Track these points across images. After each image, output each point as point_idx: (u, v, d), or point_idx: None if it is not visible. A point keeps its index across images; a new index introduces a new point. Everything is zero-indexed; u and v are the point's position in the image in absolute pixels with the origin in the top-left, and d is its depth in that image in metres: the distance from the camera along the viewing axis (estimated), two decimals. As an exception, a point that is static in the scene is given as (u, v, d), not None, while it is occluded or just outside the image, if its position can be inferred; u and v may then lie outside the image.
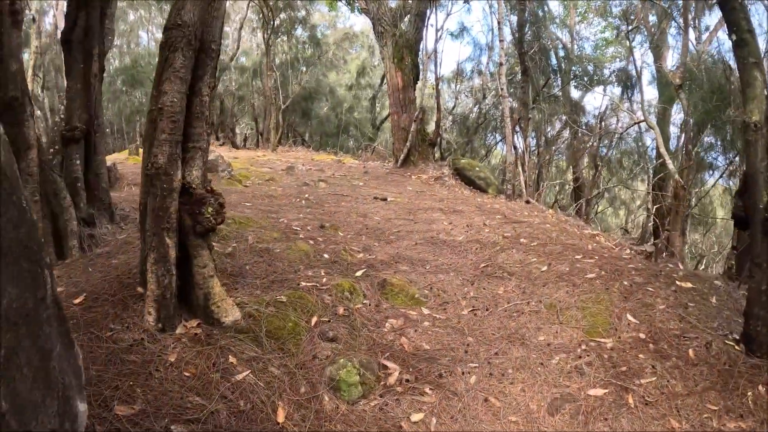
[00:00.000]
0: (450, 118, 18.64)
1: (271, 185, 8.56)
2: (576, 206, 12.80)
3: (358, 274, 4.46)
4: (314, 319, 3.56)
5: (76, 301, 3.66)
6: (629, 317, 3.92)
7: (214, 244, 4.64)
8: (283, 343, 3.30)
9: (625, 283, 4.47)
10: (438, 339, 3.66)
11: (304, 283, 4.04)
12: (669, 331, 3.78)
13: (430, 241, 5.59)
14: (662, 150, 7.56)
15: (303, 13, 18.62)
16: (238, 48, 18.61)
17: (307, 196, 7.73)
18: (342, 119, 21.70)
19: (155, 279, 3.24)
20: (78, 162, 4.66)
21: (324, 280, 4.17)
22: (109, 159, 10.83)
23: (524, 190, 10.69)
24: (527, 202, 9.70)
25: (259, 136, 20.63)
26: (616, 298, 4.19)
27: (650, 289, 4.37)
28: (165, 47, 2.91)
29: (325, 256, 4.81)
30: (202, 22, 2.97)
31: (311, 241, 5.16)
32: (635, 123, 11.00)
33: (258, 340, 3.30)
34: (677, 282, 4.55)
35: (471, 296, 4.30)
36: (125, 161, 10.22)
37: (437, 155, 13.78)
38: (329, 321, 3.58)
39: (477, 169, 11.49)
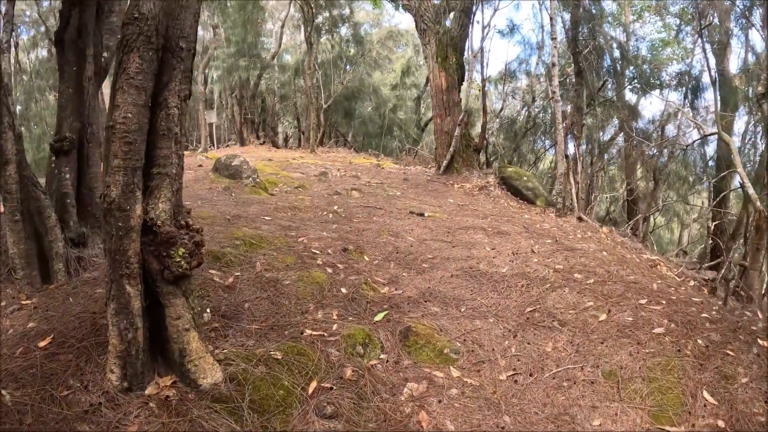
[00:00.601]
0: (497, 121, 17.70)
1: (299, 194, 7.95)
2: (631, 224, 11.71)
3: (378, 317, 3.76)
4: (313, 385, 2.89)
5: (42, 344, 3.13)
6: (706, 395, 3.10)
7: (213, 272, 4.06)
8: (269, 419, 2.65)
9: (700, 342, 3.61)
10: (466, 415, 2.92)
11: (308, 332, 3.38)
12: (753, 417, 2.96)
13: (468, 272, 4.83)
14: (740, 171, 6.49)
15: (347, 11, 18.02)
16: (280, 46, 18.22)
17: (336, 208, 7.08)
18: (386, 119, 20.99)
19: (117, 333, 2.66)
20: (68, 176, 4.16)
21: (334, 327, 3.49)
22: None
23: (576, 205, 9.74)
24: (579, 219, 8.78)
25: (301, 135, 20.23)
26: (690, 366, 3.35)
27: (730, 352, 3.51)
28: (120, 48, 2.30)
29: (343, 290, 4.14)
30: (167, 14, 2.35)
31: (330, 269, 4.50)
32: (707, 135, 9.81)
33: (238, 413, 2.65)
34: (759, 341, 3.68)
35: (512, 354, 3.53)
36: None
37: (482, 161, 12.94)
38: (331, 388, 2.90)
39: (525, 178, 10.62)
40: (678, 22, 14.45)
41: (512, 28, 16.57)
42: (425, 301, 4.16)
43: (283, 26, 17.60)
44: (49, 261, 3.99)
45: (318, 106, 18.34)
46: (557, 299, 4.31)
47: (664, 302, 4.26)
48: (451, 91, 11.47)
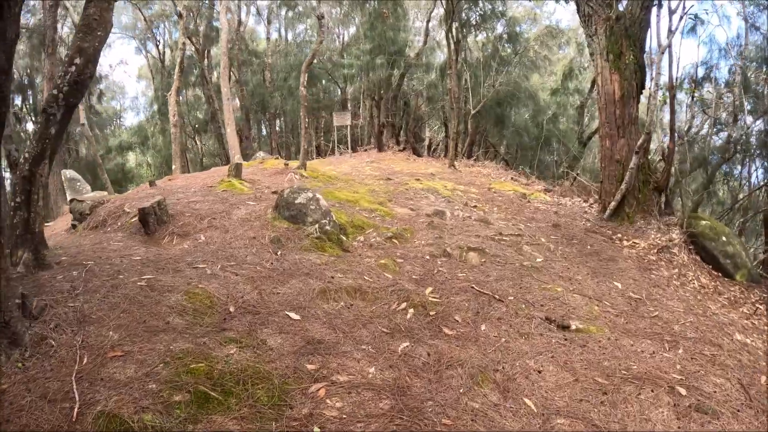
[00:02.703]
0: (681, 142, 13.66)
1: (386, 254, 5.48)
2: None
3: None
4: None
5: None
6: None
7: None
8: None
9: None
10: None
11: None
12: None
13: None
14: None
15: (500, 6, 15.09)
16: (425, 43, 15.97)
17: (428, 293, 4.55)
18: (543, 130, 17.66)
19: None
20: None
21: None
22: (209, 175, 7.73)
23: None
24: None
25: (449, 143, 17.93)
26: None
27: None
28: None
29: None
30: None
31: None
32: None
33: None
34: None
35: None
36: (214, 186, 7.51)
37: (662, 201, 9.38)
38: None
39: (723, 239, 7.28)
40: None
41: (693, 25, 12.51)
42: None
43: (428, 21, 15.29)
44: None
45: (465, 112, 15.80)
46: None
47: None
48: (626, 102, 8.26)
